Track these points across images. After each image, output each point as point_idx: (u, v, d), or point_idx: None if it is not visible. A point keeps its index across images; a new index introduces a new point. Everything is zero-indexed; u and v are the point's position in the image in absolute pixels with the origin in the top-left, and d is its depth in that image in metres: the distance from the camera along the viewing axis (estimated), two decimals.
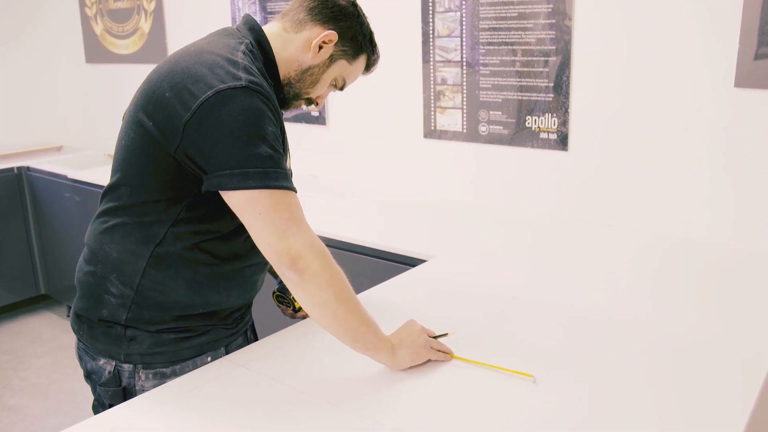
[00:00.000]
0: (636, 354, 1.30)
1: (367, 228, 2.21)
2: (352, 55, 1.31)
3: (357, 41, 1.30)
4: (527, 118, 2.28)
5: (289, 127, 2.84)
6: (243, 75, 1.11)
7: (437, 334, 1.33)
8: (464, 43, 2.38)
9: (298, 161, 2.62)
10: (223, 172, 1.09)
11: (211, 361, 1.29)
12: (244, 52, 1.18)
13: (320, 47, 1.27)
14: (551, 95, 2.21)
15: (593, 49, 2.10)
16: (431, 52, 2.48)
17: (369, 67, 1.36)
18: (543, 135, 2.26)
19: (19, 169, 3.72)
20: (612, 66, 2.08)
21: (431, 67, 2.50)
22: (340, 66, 1.31)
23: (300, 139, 3.00)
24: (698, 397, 1.13)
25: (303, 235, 1.11)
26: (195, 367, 1.27)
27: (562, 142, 2.22)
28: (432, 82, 2.51)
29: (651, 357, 1.28)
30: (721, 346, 1.32)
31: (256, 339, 1.48)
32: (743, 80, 1.84)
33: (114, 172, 1.24)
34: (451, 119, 2.49)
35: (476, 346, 1.31)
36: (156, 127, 1.14)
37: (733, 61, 1.85)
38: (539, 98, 2.24)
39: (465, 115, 2.45)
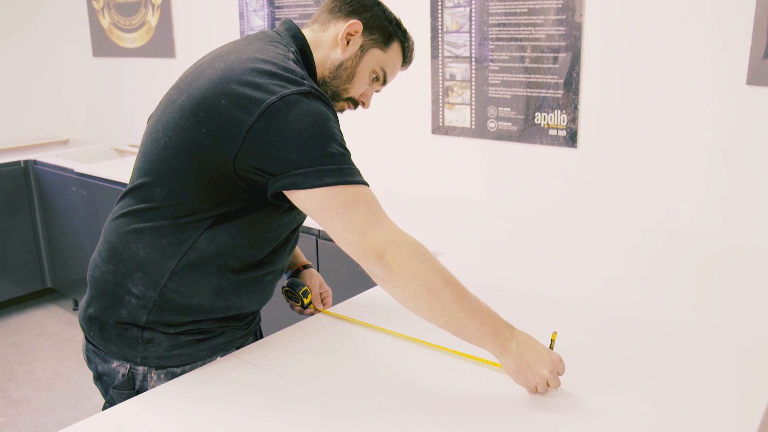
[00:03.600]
0: (644, 353, 1.29)
1: None
2: (384, 42, 1.30)
3: (384, 28, 1.30)
4: (536, 114, 2.27)
5: None
6: (305, 81, 1.12)
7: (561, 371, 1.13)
8: (473, 39, 2.37)
9: None
10: (297, 171, 1.07)
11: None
12: (294, 62, 1.18)
13: (348, 40, 1.27)
14: (560, 92, 2.19)
15: (603, 46, 2.08)
16: (440, 47, 2.47)
17: (405, 54, 1.35)
18: (552, 132, 2.24)
19: (26, 162, 3.72)
20: (622, 63, 2.06)
21: (440, 62, 2.48)
22: (374, 55, 1.30)
23: None
24: (710, 396, 1.13)
25: (383, 228, 1.09)
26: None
27: (572, 138, 2.20)
28: (440, 78, 2.49)
29: (658, 357, 1.27)
30: (739, 345, 1.31)
31: (261, 336, 1.48)
32: (755, 78, 1.82)
33: (144, 172, 1.20)
34: (460, 115, 2.47)
35: None
36: (208, 135, 1.11)
37: (745, 58, 1.83)
38: (548, 95, 2.22)
39: (473, 111, 2.43)
